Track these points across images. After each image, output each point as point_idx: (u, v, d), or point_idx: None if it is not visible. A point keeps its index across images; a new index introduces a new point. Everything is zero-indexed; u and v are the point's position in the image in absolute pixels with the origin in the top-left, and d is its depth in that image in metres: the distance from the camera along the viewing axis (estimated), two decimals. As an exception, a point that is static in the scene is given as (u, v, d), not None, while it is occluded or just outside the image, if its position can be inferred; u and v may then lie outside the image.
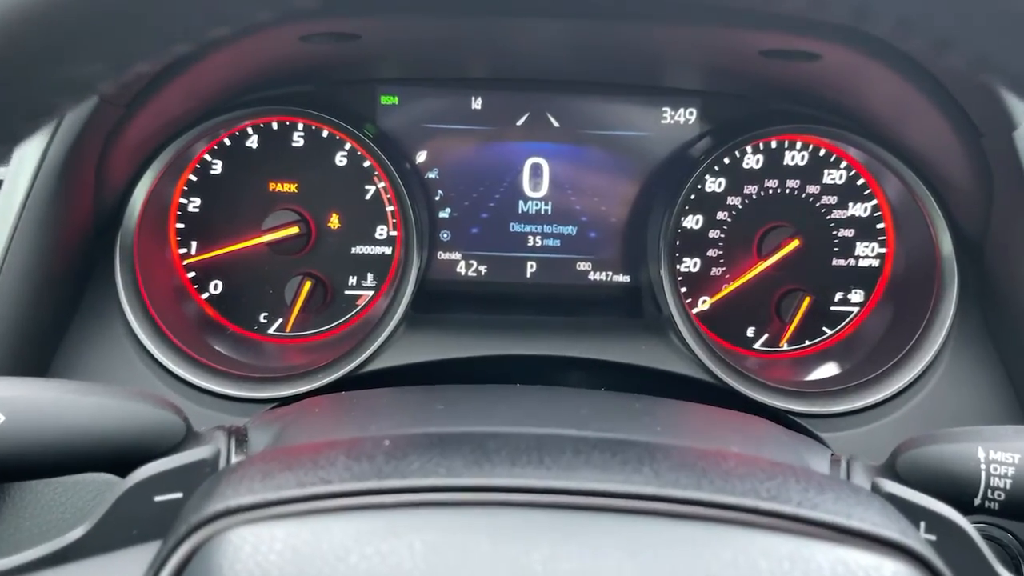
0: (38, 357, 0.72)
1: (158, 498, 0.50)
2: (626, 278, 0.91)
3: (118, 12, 0.30)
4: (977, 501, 0.54)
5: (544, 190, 0.90)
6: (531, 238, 0.91)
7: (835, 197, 0.87)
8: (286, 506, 0.37)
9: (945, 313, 0.78)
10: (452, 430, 0.44)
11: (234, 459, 0.54)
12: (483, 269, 0.91)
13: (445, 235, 0.90)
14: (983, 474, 0.53)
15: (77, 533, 0.47)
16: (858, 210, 0.88)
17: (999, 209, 0.72)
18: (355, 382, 0.79)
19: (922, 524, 0.49)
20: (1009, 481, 0.53)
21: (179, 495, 0.49)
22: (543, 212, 0.90)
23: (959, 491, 0.54)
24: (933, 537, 0.50)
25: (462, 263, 0.91)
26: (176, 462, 0.51)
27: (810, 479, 0.41)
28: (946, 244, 0.80)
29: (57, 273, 0.71)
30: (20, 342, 0.67)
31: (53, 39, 0.30)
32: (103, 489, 0.69)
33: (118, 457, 0.53)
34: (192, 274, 0.87)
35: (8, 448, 0.51)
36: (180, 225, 0.86)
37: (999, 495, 0.53)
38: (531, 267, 0.91)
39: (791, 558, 0.35)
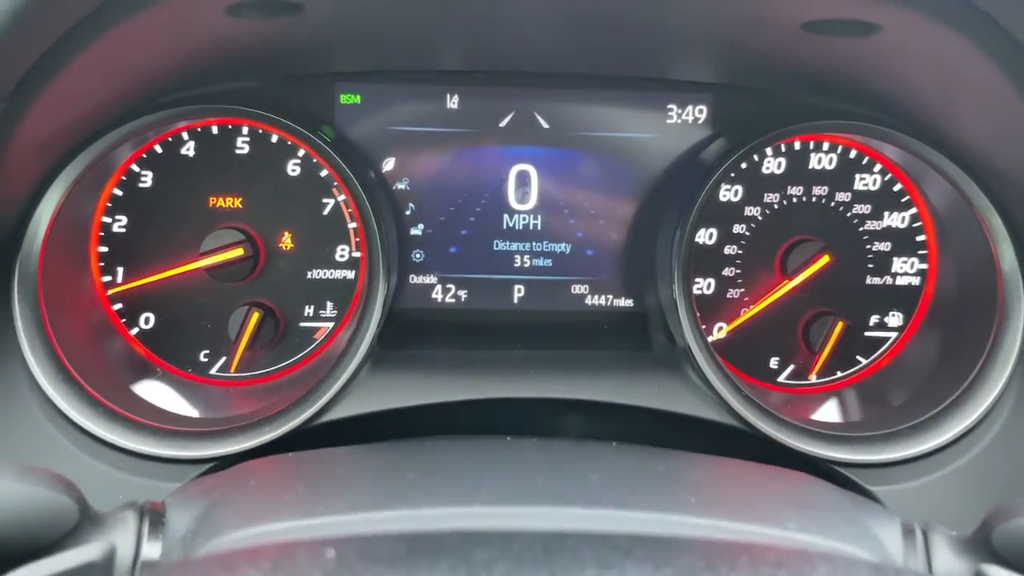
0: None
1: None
2: (629, 303, 0.79)
3: None
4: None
5: (532, 202, 0.79)
6: (518, 258, 0.79)
7: (869, 206, 0.77)
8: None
9: (1012, 340, 0.67)
10: (425, 528, 0.32)
11: (146, 549, 0.41)
12: (463, 295, 0.79)
13: (418, 255, 0.78)
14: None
15: None
16: (895, 220, 0.77)
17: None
18: (309, 434, 0.66)
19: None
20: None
21: None
22: (531, 227, 0.79)
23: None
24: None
25: (438, 288, 0.79)
26: (56, 567, 0.38)
27: None
28: (1008, 257, 0.68)
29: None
30: None
31: None
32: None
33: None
34: (118, 306, 0.74)
35: None
36: (103, 248, 0.74)
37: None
38: (519, 291, 0.80)
39: None
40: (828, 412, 0.76)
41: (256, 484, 0.46)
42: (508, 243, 0.79)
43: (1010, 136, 0.62)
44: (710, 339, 0.77)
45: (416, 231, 0.78)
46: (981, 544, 0.46)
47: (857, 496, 0.50)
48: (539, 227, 0.79)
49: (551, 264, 0.80)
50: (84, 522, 0.43)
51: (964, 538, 0.46)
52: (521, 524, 0.33)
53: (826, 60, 0.66)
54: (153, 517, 0.43)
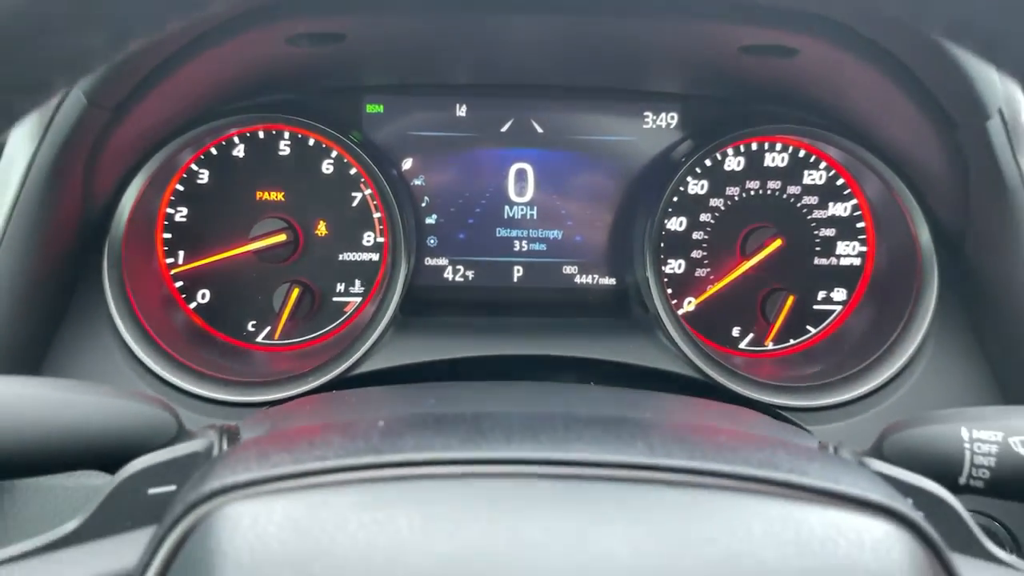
0: (26, 362, 0.72)
1: (152, 491, 0.50)
2: (612, 281, 0.92)
3: None
4: (962, 480, 0.54)
5: (529, 195, 0.91)
6: (517, 243, 0.92)
7: (816, 197, 0.89)
8: (283, 482, 0.37)
9: (926, 306, 0.80)
10: (446, 411, 0.44)
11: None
12: (470, 274, 0.92)
13: (432, 241, 0.91)
14: (967, 453, 0.54)
15: (71, 526, 0.47)
16: (838, 210, 0.89)
17: (976, 201, 0.73)
18: (344, 385, 0.79)
19: (909, 501, 0.50)
20: (993, 459, 0.53)
21: (173, 487, 0.49)
22: (529, 217, 0.91)
23: (944, 471, 0.54)
24: (921, 513, 0.50)
25: (449, 268, 0.92)
26: (169, 455, 0.52)
27: (799, 451, 0.42)
28: (925, 238, 0.81)
29: (45, 278, 0.71)
30: (8, 347, 0.67)
31: (52, 8, 0.30)
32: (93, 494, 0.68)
33: (109, 454, 0.53)
34: (180, 284, 0.87)
35: (4, 446, 0.51)
36: (167, 235, 0.87)
37: (984, 473, 0.54)
38: (518, 271, 0.92)
39: (783, 520, 0.36)
40: (781, 371, 0.89)
41: (311, 408, 0.59)
42: (508, 230, 0.92)
43: (923, 144, 0.75)
44: (680, 311, 0.90)
45: (430, 220, 0.91)
46: (876, 452, 0.59)
47: (787, 424, 0.63)
48: (535, 217, 0.92)
49: (545, 248, 0.92)
50: (180, 433, 0.56)
51: (864, 450, 0.59)
52: (517, 411, 0.45)
53: (769, 75, 0.79)
54: (230, 433, 0.56)
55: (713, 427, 0.45)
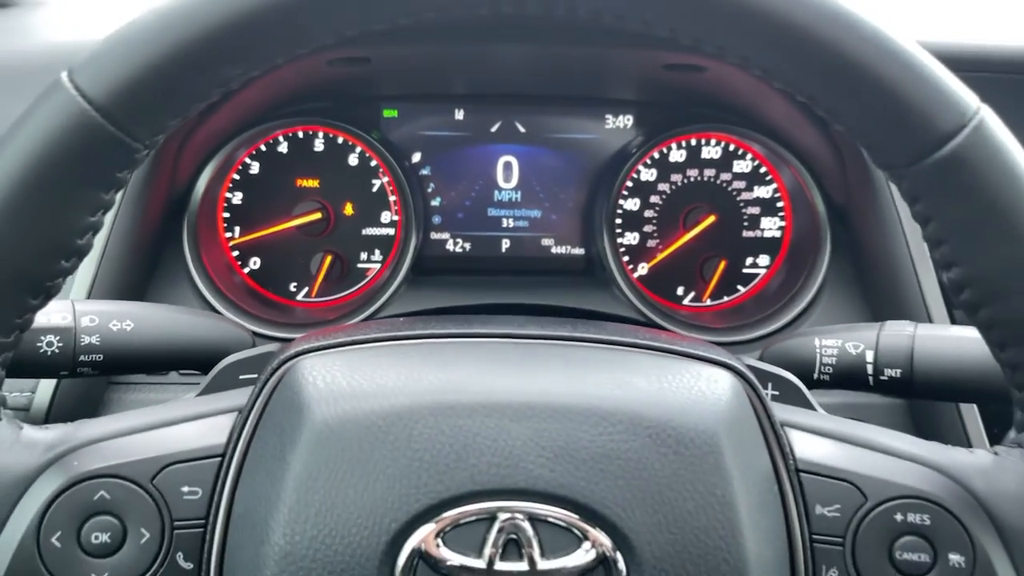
0: (132, 299, 0.95)
1: (242, 377, 0.72)
2: (581, 250, 1.14)
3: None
4: (815, 376, 0.76)
5: (514, 182, 1.13)
6: (505, 220, 1.14)
7: (744, 182, 1.11)
8: (345, 347, 0.58)
9: (821, 265, 1.03)
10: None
11: None
12: (467, 246, 1.14)
13: (437, 219, 1.13)
14: (818, 355, 0.76)
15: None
16: (762, 192, 1.11)
17: (852, 181, 0.95)
18: (368, 326, 1.02)
19: (769, 384, 0.72)
20: (834, 358, 0.75)
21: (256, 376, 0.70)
22: (514, 200, 1.14)
23: (802, 369, 0.75)
24: (776, 392, 0.72)
25: (450, 241, 1.14)
26: (251, 353, 0.74)
27: (682, 336, 0.63)
28: (822, 213, 1.04)
29: (145, 241, 0.95)
30: (120, 288, 0.91)
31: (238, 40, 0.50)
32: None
33: (205, 357, 0.76)
34: (236, 253, 1.10)
35: (132, 347, 0.73)
36: (226, 214, 1.09)
37: (828, 369, 0.75)
38: (505, 244, 1.14)
39: (651, 365, 0.57)
40: (715, 322, 1.11)
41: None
42: (498, 210, 1.13)
43: (811, 138, 0.97)
44: (635, 275, 1.12)
45: (435, 202, 1.13)
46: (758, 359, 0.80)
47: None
48: (519, 200, 1.14)
49: (527, 224, 1.14)
50: (254, 345, 0.78)
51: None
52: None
53: (697, 85, 1.01)
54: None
55: (631, 328, 0.67)
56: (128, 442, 0.53)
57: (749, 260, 1.12)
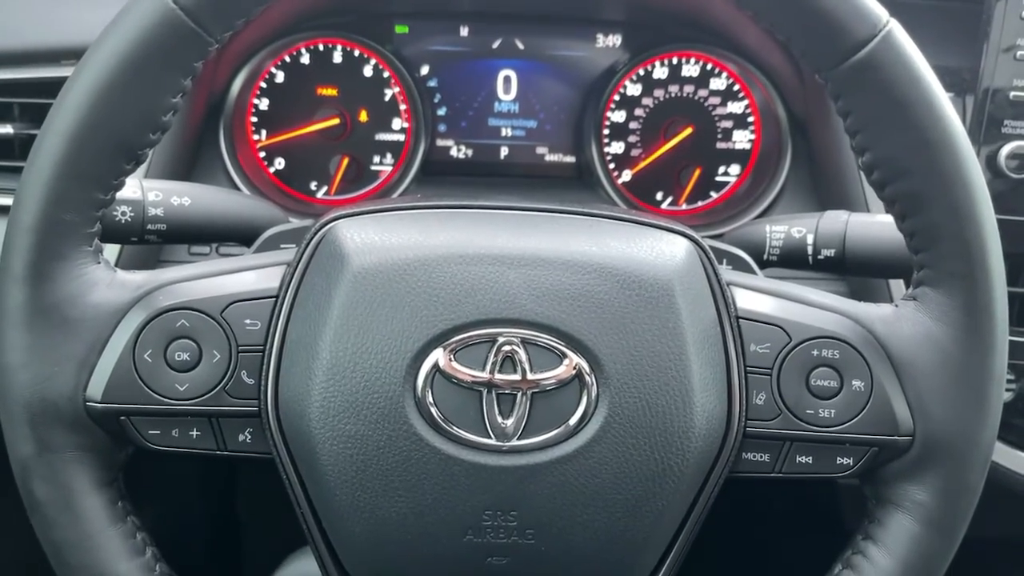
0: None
1: (283, 246, 0.85)
2: (572, 158, 1.26)
3: None
4: (765, 256, 0.90)
5: (513, 94, 1.25)
6: (504, 130, 1.25)
7: (719, 98, 1.23)
8: (380, 212, 0.71)
9: (782, 170, 1.16)
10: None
11: None
12: (469, 152, 1.26)
13: (442, 127, 1.25)
14: (767, 238, 0.89)
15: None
16: (735, 108, 1.23)
17: (810, 98, 1.08)
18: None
19: (724, 260, 0.85)
20: (781, 241, 0.89)
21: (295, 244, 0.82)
22: (512, 111, 1.25)
23: (755, 250, 0.89)
24: (731, 267, 0.86)
25: (454, 148, 1.26)
26: (290, 226, 0.87)
27: (651, 214, 0.77)
28: (784, 126, 1.17)
29: (187, 141, 1.07)
30: (169, 176, 1.04)
31: None
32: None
33: (250, 230, 0.89)
34: (263, 154, 1.22)
35: (190, 219, 0.86)
36: (254, 119, 1.21)
37: (776, 251, 0.89)
38: (504, 151, 1.26)
39: (618, 228, 0.70)
40: (688, 220, 1.24)
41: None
42: (497, 120, 1.24)
43: (780, 59, 1.09)
44: (620, 180, 1.25)
45: (441, 112, 1.24)
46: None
47: None
48: (516, 111, 1.25)
49: (524, 134, 1.26)
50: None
51: None
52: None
53: (680, 8, 1.13)
54: None
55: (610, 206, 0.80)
56: (201, 284, 0.67)
57: (722, 169, 1.24)
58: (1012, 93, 0.95)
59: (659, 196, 1.26)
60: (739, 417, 0.67)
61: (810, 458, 0.68)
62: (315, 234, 0.66)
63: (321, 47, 1.20)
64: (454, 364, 0.62)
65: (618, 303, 0.64)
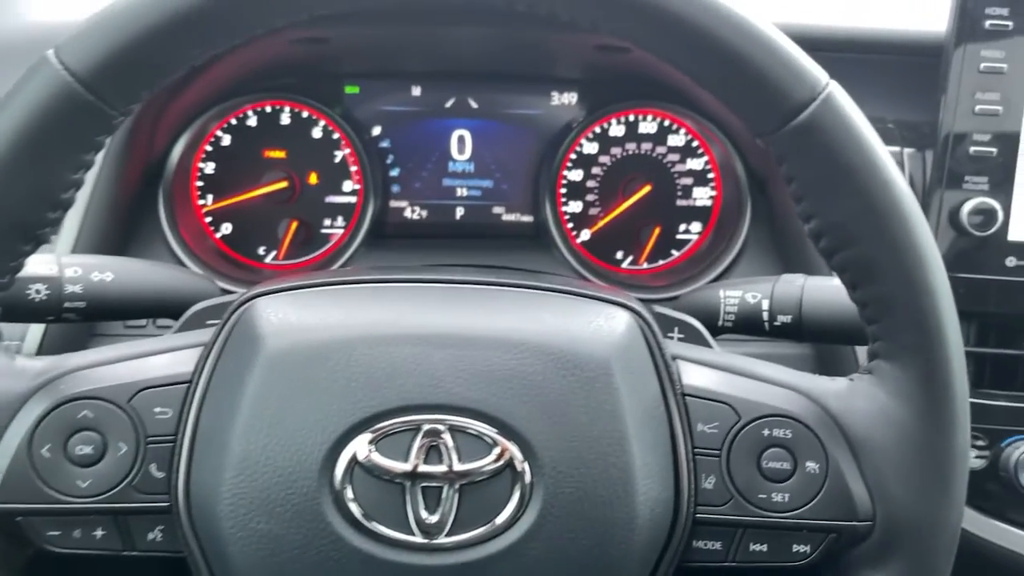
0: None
1: (209, 322, 0.81)
2: (530, 218, 1.23)
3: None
4: (719, 323, 0.86)
5: (468, 154, 1.22)
6: (459, 190, 1.22)
7: (678, 155, 1.20)
8: (301, 289, 0.67)
9: (743, 229, 1.13)
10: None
11: None
12: (424, 213, 1.23)
13: (396, 188, 1.22)
14: (721, 303, 0.86)
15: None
16: (694, 164, 1.20)
17: (769, 155, 1.05)
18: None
19: (675, 328, 0.81)
20: (736, 306, 0.85)
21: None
22: (467, 171, 1.22)
23: (709, 317, 0.86)
24: (682, 335, 0.82)
25: (408, 209, 1.23)
26: (218, 301, 0.83)
27: (592, 283, 0.73)
28: (744, 184, 1.14)
29: (121, 209, 1.03)
30: (100, 248, 0.99)
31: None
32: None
33: (177, 306, 0.84)
34: (209, 219, 1.18)
35: (111, 295, 0.81)
36: (200, 183, 1.18)
37: (731, 316, 0.85)
38: (460, 211, 1.23)
39: (558, 303, 0.66)
40: (651, 282, 1.20)
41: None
42: (452, 180, 1.22)
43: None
44: (578, 240, 1.22)
45: (394, 173, 1.21)
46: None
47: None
48: (472, 171, 1.22)
49: (480, 193, 1.23)
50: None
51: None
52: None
53: (630, 65, 1.10)
54: None
55: (548, 276, 0.76)
56: (108, 369, 0.62)
57: (682, 227, 1.21)
58: (972, 148, 0.93)
59: (619, 255, 1.22)
60: (687, 503, 0.62)
61: (764, 546, 0.63)
62: (232, 312, 0.62)
63: (268, 109, 1.17)
64: (375, 455, 0.58)
65: (552, 384, 0.59)
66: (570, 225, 1.21)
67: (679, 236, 1.22)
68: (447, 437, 0.58)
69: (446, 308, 0.63)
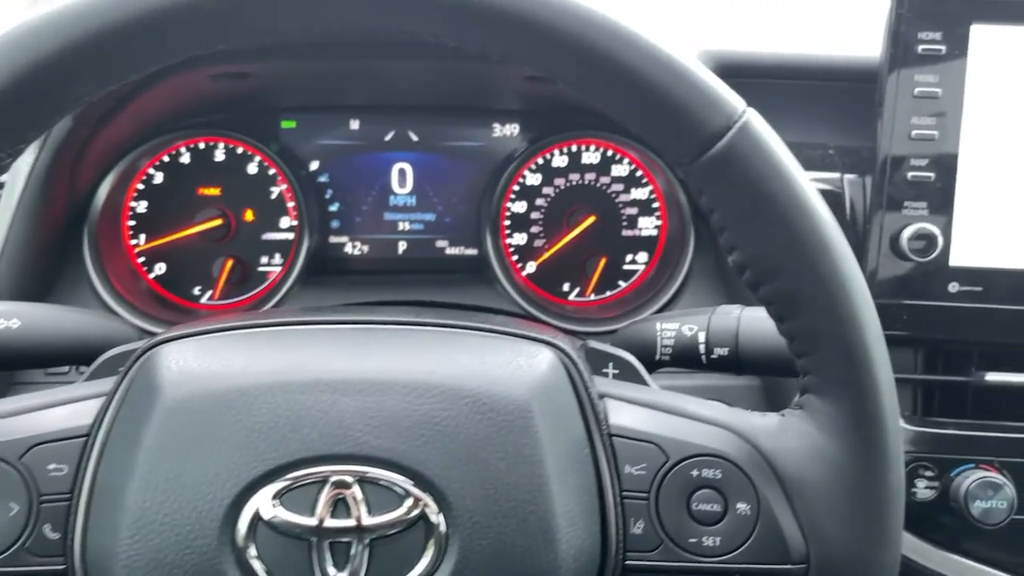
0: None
1: (120, 369, 0.77)
2: (474, 251, 1.21)
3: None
4: (656, 357, 0.84)
5: (409, 187, 1.20)
6: (401, 224, 1.20)
7: (622, 185, 1.19)
8: (206, 335, 0.64)
9: (686, 258, 1.11)
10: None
11: None
12: (365, 248, 1.20)
13: (335, 223, 1.19)
14: (658, 337, 0.83)
15: None
16: (639, 194, 1.19)
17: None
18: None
19: (610, 364, 0.79)
20: (673, 340, 0.83)
21: None
22: (409, 204, 1.20)
23: (646, 350, 0.83)
24: (617, 371, 0.79)
25: (349, 244, 1.20)
26: (132, 346, 0.79)
27: (518, 320, 0.70)
28: (687, 213, 1.12)
29: (43, 250, 0.99)
30: (20, 295, 0.95)
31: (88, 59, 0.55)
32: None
33: (91, 352, 0.81)
34: (142, 259, 1.15)
35: (19, 342, 0.78)
36: (131, 222, 1.14)
37: (668, 350, 0.83)
38: (402, 246, 1.20)
39: (478, 343, 0.63)
40: (599, 314, 1.18)
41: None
42: (394, 214, 1.19)
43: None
44: (525, 272, 1.19)
45: (333, 208, 1.19)
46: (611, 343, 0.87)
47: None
48: (413, 204, 1.20)
49: (423, 227, 1.20)
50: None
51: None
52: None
53: (571, 94, 1.08)
54: None
55: (471, 313, 0.73)
56: (1, 424, 0.59)
57: (629, 257, 1.19)
58: (910, 173, 0.92)
59: (566, 287, 1.20)
60: (616, 550, 0.59)
61: (698, 592, 0.60)
62: (134, 362, 0.58)
63: (202, 145, 1.14)
64: (279, 510, 0.54)
65: (468, 430, 0.56)
66: (515, 257, 1.19)
67: (626, 266, 1.20)
68: (356, 489, 0.55)
69: (356, 351, 0.60)
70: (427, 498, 0.55)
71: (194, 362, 0.58)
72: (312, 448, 0.55)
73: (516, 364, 0.60)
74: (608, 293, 1.20)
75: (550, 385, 0.60)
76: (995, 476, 0.88)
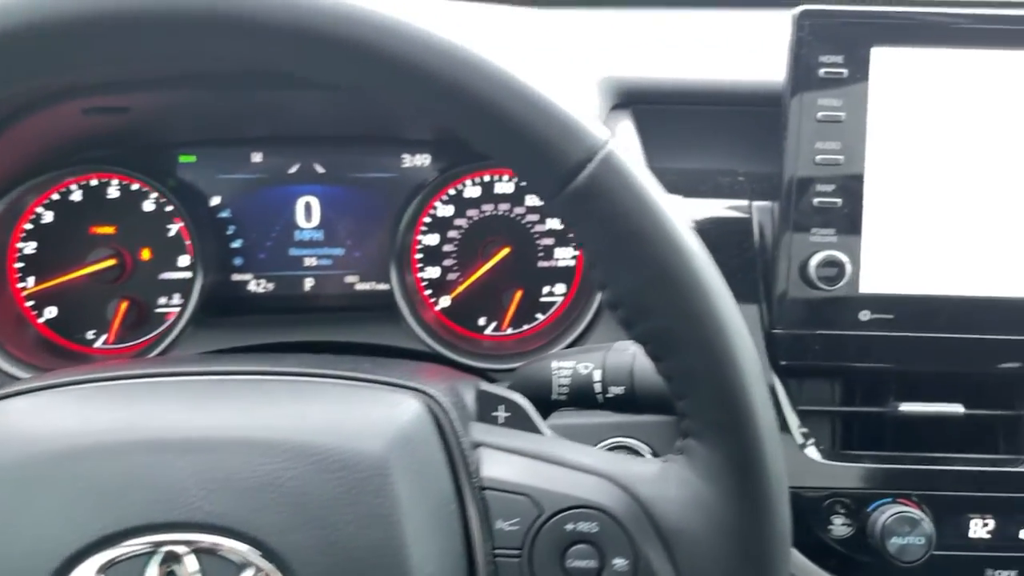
0: None
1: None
2: (386, 286, 1.16)
3: None
4: (552, 396, 0.80)
5: (315, 221, 1.15)
6: (307, 259, 1.15)
7: (537, 215, 1.15)
8: (38, 392, 0.59)
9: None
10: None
11: None
12: (270, 286, 1.15)
13: (238, 260, 1.14)
14: (554, 377, 0.79)
15: None
16: (554, 224, 1.16)
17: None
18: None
19: (501, 407, 0.75)
20: (569, 379, 0.79)
21: None
22: (316, 239, 1.15)
23: (541, 391, 0.79)
24: (508, 414, 0.75)
25: (253, 282, 1.15)
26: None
27: (387, 363, 0.66)
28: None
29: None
30: None
31: None
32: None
33: None
34: (30, 303, 1.09)
35: None
36: (19, 264, 1.08)
37: (564, 390, 0.79)
38: (309, 282, 1.16)
39: (338, 394, 0.59)
40: (518, 347, 1.14)
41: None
42: (300, 250, 1.15)
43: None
44: (439, 307, 1.15)
45: (236, 244, 1.14)
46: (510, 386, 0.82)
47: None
48: (320, 239, 1.16)
49: (331, 262, 1.16)
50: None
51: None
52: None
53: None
54: None
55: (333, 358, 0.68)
56: None
57: (546, 289, 1.16)
58: (816, 199, 0.89)
59: (482, 321, 1.16)
60: None
61: (574, 657, 0.56)
62: None
63: (94, 182, 1.09)
64: (103, 586, 0.49)
65: (315, 491, 0.52)
66: (428, 292, 1.14)
67: (543, 298, 1.16)
68: (190, 560, 0.50)
69: (198, 406, 0.55)
70: (270, 568, 0.50)
71: (17, 423, 0.53)
72: (141, 515, 0.50)
73: (375, 416, 0.56)
74: (526, 327, 1.16)
75: (413, 437, 0.55)
76: (912, 511, 0.85)
